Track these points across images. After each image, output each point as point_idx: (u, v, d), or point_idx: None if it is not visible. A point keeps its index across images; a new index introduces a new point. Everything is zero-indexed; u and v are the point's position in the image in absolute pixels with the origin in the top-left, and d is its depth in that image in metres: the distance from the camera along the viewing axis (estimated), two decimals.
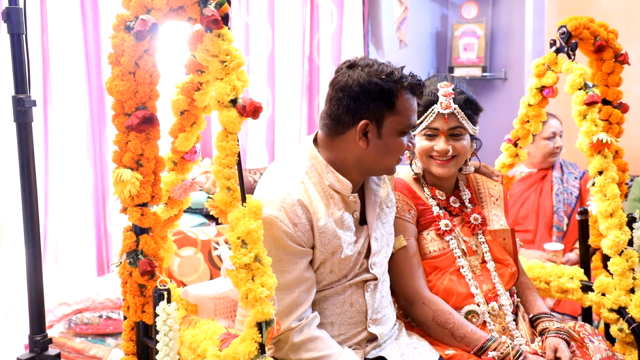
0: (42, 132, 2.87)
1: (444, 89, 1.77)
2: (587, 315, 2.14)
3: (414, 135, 1.81)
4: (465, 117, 1.77)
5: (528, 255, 2.86)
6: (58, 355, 1.58)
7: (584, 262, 2.16)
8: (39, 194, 2.77)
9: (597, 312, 1.96)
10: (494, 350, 1.63)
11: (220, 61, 1.34)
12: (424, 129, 1.79)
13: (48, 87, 2.87)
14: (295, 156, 1.61)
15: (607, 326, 1.97)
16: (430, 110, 1.77)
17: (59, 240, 2.97)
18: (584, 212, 2.16)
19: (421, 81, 1.57)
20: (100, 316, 2.68)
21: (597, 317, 2.08)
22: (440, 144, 1.77)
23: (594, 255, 2.08)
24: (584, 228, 2.17)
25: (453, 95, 1.76)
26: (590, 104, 1.86)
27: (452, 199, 1.87)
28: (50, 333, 2.64)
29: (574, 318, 2.80)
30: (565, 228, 3.03)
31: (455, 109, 1.76)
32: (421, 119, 1.78)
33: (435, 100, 1.77)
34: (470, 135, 1.81)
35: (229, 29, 1.37)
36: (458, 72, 4.45)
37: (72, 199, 3.00)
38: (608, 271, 1.98)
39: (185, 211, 1.71)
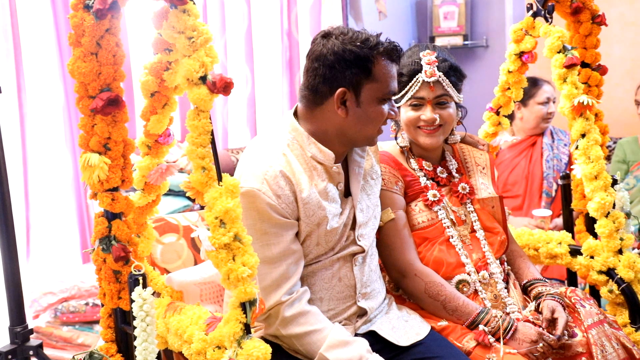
0: (17, 120, 2.81)
1: (428, 57, 1.75)
2: (572, 278, 2.15)
3: (399, 107, 1.79)
4: (451, 85, 1.76)
5: (516, 223, 2.87)
6: (40, 346, 1.56)
7: (568, 226, 2.17)
8: (18, 184, 2.77)
9: (582, 275, 1.96)
10: (485, 324, 1.63)
11: (187, 37, 1.28)
12: (409, 99, 1.77)
13: (21, 74, 2.81)
14: (276, 130, 1.59)
15: (592, 289, 1.97)
16: (415, 79, 1.75)
17: (41, 230, 2.93)
18: (566, 177, 2.16)
19: (398, 46, 1.54)
20: (87, 304, 2.67)
21: (582, 280, 2.08)
22: (427, 113, 1.76)
23: (577, 219, 2.08)
24: (566, 192, 2.16)
25: (437, 63, 1.75)
26: (570, 66, 1.84)
27: (439, 169, 1.85)
28: (36, 323, 2.63)
29: (562, 282, 2.82)
30: (554, 194, 3.05)
31: (440, 77, 1.74)
32: (406, 89, 1.76)
33: (419, 69, 1.75)
34: (456, 103, 1.80)
35: (194, 3, 1.32)
36: (439, 42, 4.40)
37: (53, 187, 2.96)
38: (592, 234, 1.99)
39: (167, 194, 1.68)
